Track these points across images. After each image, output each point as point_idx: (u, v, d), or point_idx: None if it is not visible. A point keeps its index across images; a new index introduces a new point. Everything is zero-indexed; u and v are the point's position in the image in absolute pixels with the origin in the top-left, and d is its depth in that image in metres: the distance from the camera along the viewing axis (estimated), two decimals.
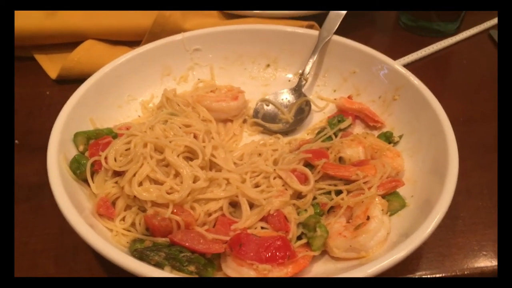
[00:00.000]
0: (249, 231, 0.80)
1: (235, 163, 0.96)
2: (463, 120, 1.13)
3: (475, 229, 0.90)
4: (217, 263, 0.78)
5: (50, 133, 0.87)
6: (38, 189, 0.93)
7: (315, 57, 1.15)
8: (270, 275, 0.73)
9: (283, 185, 0.88)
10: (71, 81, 1.17)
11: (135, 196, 0.80)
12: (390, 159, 0.93)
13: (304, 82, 1.15)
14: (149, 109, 1.10)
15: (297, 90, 1.15)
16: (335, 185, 0.88)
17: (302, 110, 1.13)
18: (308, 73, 1.15)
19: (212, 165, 0.91)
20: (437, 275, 0.83)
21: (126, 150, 0.85)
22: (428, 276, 0.83)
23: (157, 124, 0.90)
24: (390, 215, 0.85)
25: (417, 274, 0.83)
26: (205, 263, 0.75)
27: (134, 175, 0.81)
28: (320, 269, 0.79)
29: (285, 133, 1.10)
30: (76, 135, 0.92)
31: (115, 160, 0.84)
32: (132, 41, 1.30)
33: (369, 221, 0.80)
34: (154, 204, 0.80)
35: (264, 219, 0.83)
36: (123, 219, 0.82)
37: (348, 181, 0.88)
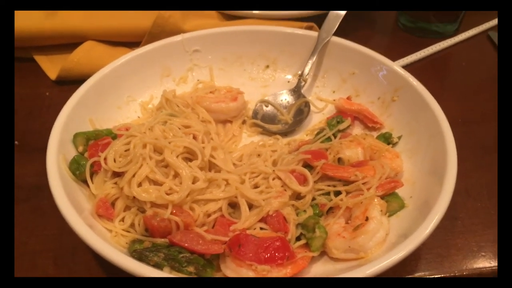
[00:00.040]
0: (248, 231, 0.80)
1: (234, 164, 0.96)
2: (462, 121, 1.13)
3: (474, 230, 0.90)
4: (216, 264, 0.78)
5: (49, 133, 0.87)
6: (38, 190, 0.94)
7: (314, 58, 1.15)
8: (269, 275, 0.73)
9: (282, 186, 0.88)
10: (70, 82, 1.17)
11: (134, 197, 0.80)
12: (389, 160, 0.93)
13: (303, 83, 1.16)
14: (148, 110, 1.11)
15: (296, 91, 1.16)
16: (334, 186, 0.88)
17: (301, 111, 1.13)
18: (307, 74, 1.15)
19: (211, 166, 0.91)
20: (436, 276, 0.83)
21: (125, 151, 0.85)
22: (427, 277, 0.83)
23: (157, 125, 0.90)
24: (389, 216, 0.85)
25: (416, 275, 0.83)
26: (204, 263, 0.75)
27: (134, 175, 0.81)
28: (319, 270, 0.79)
29: (284, 134, 1.10)
30: (76, 135, 0.92)
31: (115, 160, 0.84)
32: (131, 42, 1.30)
33: (368, 222, 0.80)
34: (154, 204, 0.80)
35: (263, 220, 0.83)
36: (123, 219, 0.82)
37: (347, 182, 0.88)
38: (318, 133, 1.04)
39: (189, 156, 0.87)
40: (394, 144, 1.01)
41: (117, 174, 0.85)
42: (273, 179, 0.89)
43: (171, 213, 0.78)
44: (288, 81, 1.22)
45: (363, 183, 0.86)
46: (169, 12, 1.25)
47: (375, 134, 1.05)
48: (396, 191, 0.88)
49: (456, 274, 0.83)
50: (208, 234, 0.78)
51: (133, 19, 1.29)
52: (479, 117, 1.16)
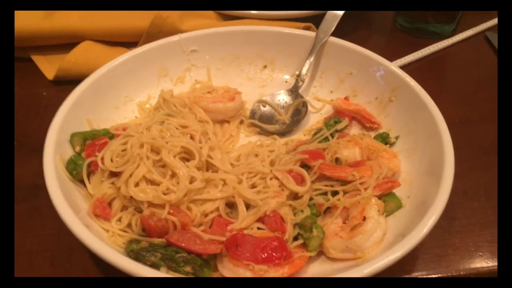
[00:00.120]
0: (245, 231, 0.80)
1: (231, 164, 0.96)
2: (460, 121, 1.13)
3: (471, 230, 0.90)
4: (213, 264, 0.78)
5: (46, 133, 0.87)
6: (35, 190, 0.93)
7: (312, 58, 1.15)
8: (266, 275, 0.73)
9: (279, 186, 0.88)
10: (68, 82, 1.17)
11: (131, 197, 0.80)
12: (387, 160, 0.93)
13: (301, 83, 1.16)
14: (146, 110, 1.10)
15: (294, 91, 1.16)
16: (332, 186, 0.88)
17: (299, 111, 1.13)
18: (305, 74, 1.15)
19: (208, 166, 0.91)
20: (433, 276, 0.83)
21: (122, 150, 0.85)
22: (424, 277, 0.83)
23: (154, 125, 0.90)
24: (386, 215, 0.85)
25: (413, 275, 0.83)
26: (201, 263, 0.75)
27: (131, 175, 0.81)
28: (316, 270, 0.79)
29: (282, 134, 1.10)
30: (73, 135, 0.92)
31: (112, 160, 0.84)
32: (129, 42, 1.30)
33: (365, 222, 0.80)
34: (151, 204, 0.80)
35: (260, 219, 0.83)
36: (120, 219, 0.82)
37: (344, 182, 0.88)
38: (315, 133, 1.04)
39: (186, 156, 0.87)
40: (392, 144, 1.01)
41: (114, 174, 0.85)
42: (271, 179, 0.89)
43: (168, 213, 0.78)
44: (286, 81, 1.22)
45: (360, 183, 0.86)
46: (167, 12, 1.25)
47: (372, 134, 1.05)
48: (394, 191, 0.88)
49: (453, 274, 0.83)
50: (205, 234, 0.78)
51: (131, 19, 1.29)
52: (477, 117, 1.16)
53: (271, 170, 0.90)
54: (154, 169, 0.82)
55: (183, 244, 0.75)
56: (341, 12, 1.22)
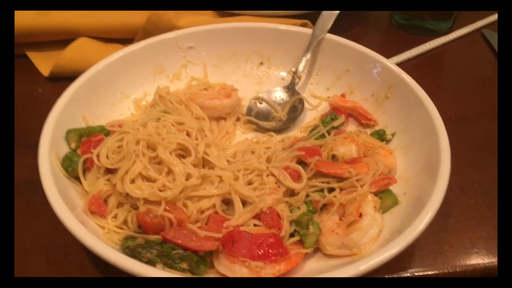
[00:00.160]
0: (241, 228, 0.80)
1: (228, 161, 0.95)
2: (456, 118, 1.14)
3: (467, 227, 0.90)
4: (210, 261, 0.78)
5: (42, 130, 0.86)
6: (30, 187, 0.93)
7: (308, 55, 1.15)
8: (263, 272, 0.73)
9: (276, 183, 0.88)
10: (63, 79, 1.16)
11: (127, 194, 0.80)
12: (383, 157, 0.93)
13: (297, 80, 1.15)
14: (142, 107, 1.10)
15: (291, 88, 1.15)
16: (328, 183, 0.88)
17: (295, 108, 1.13)
18: (302, 71, 1.15)
19: (205, 163, 0.91)
20: (429, 272, 0.83)
21: (118, 147, 0.85)
22: (420, 274, 0.83)
23: (150, 122, 0.90)
24: (383, 212, 0.85)
25: (409, 271, 0.83)
26: (198, 260, 0.75)
27: (127, 172, 0.80)
28: (312, 266, 0.79)
29: (278, 131, 1.10)
30: (68, 132, 0.91)
31: (107, 157, 0.84)
32: (125, 38, 1.29)
33: (361, 219, 0.80)
34: (147, 201, 0.80)
35: (256, 216, 0.83)
36: (115, 216, 0.82)
37: (340, 179, 0.88)
38: (312, 130, 1.04)
39: (182, 153, 0.87)
40: (388, 141, 1.01)
41: (110, 171, 0.84)
42: (267, 176, 0.89)
43: (164, 210, 0.78)
44: (282, 78, 1.22)
45: (356, 180, 0.86)
46: None
47: (369, 131, 1.05)
48: (390, 187, 0.88)
49: (449, 270, 0.84)
50: (201, 231, 0.78)
51: (127, 16, 1.28)
52: (473, 114, 1.16)
53: (267, 167, 0.90)
54: (150, 166, 0.82)
55: (179, 241, 0.75)
56: None
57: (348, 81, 1.15)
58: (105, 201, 0.84)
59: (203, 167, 0.90)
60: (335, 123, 1.04)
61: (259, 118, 1.11)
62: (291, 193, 0.88)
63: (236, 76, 1.21)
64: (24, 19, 1.21)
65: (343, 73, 1.15)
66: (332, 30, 1.16)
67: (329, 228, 0.81)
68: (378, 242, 0.79)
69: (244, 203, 0.85)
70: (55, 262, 0.83)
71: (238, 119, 1.13)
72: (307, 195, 0.88)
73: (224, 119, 1.10)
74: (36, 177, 0.79)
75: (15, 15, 1.18)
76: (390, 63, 1.07)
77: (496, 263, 0.84)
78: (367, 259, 0.69)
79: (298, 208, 0.85)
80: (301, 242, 0.81)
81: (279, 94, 1.15)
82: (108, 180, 0.84)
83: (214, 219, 0.82)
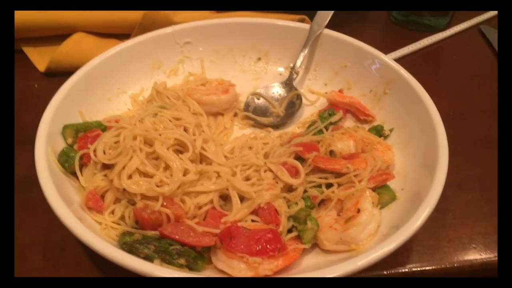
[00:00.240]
0: (239, 224, 0.80)
1: (225, 157, 0.95)
2: (454, 114, 1.13)
3: (465, 223, 0.90)
4: (207, 256, 0.77)
5: (38, 126, 0.86)
6: (26, 183, 0.92)
7: (306, 51, 1.15)
8: (261, 267, 0.73)
9: (273, 178, 0.87)
10: (60, 74, 1.15)
11: (124, 189, 0.80)
12: (381, 153, 0.93)
13: (295, 75, 1.15)
14: (139, 102, 1.09)
15: (288, 84, 1.15)
16: (326, 178, 0.88)
17: (293, 104, 1.12)
18: (299, 66, 1.15)
19: (202, 158, 0.90)
20: (427, 268, 0.83)
21: (115, 142, 0.84)
22: (418, 269, 0.83)
23: (147, 117, 0.89)
24: (381, 208, 0.85)
25: (407, 267, 0.83)
26: (195, 256, 0.74)
27: (124, 168, 0.80)
28: (310, 262, 0.79)
29: (276, 126, 1.10)
30: (65, 127, 0.91)
31: (104, 153, 0.83)
32: (122, 34, 1.29)
33: (359, 214, 0.80)
34: (144, 197, 0.79)
35: (254, 212, 0.83)
36: (112, 212, 0.82)
37: (338, 174, 0.88)
38: (310, 126, 1.03)
39: (180, 148, 0.87)
40: (386, 137, 1.01)
41: (107, 166, 0.84)
42: (265, 171, 0.89)
43: (162, 206, 0.78)
44: (280, 74, 1.21)
45: (354, 176, 0.86)
46: None
47: (367, 126, 1.05)
48: (388, 183, 0.88)
49: (447, 266, 0.84)
50: (199, 227, 0.78)
51: (124, 11, 1.28)
52: (471, 110, 1.16)
53: (265, 163, 0.90)
54: (147, 162, 0.82)
55: (177, 237, 0.75)
56: None
57: (346, 77, 1.14)
58: (102, 196, 0.83)
59: (201, 162, 0.89)
60: (333, 119, 1.03)
61: (257, 114, 1.11)
62: (289, 188, 0.88)
63: (234, 72, 1.20)
64: (21, 14, 1.20)
65: (341, 68, 1.15)
66: (330, 26, 1.16)
67: (327, 224, 0.81)
68: (376, 237, 0.79)
69: (242, 198, 0.85)
70: (51, 257, 0.83)
71: (235, 114, 1.12)
72: (305, 191, 0.88)
73: (222, 114, 1.10)
74: (33, 173, 0.78)
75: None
76: (388, 58, 1.07)
77: (494, 259, 0.85)
78: (365, 255, 0.69)
79: (296, 203, 0.85)
80: (299, 238, 0.80)
81: (277, 90, 1.15)
82: (105, 175, 0.83)
83: (212, 215, 0.82)
